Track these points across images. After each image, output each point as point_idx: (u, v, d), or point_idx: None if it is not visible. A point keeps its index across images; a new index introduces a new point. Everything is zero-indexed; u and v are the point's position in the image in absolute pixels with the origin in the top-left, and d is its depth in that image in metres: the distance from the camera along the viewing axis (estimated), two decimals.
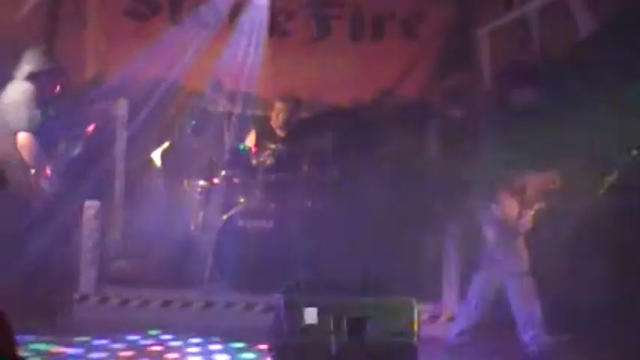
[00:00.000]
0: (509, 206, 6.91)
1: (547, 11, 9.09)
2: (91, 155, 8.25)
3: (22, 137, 7.12)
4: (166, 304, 7.84)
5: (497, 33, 9.23)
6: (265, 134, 8.66)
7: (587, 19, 8.98)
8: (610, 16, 8.82)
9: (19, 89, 7.22)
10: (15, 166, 7.12)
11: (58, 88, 7.46)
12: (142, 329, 7.32)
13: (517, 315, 6.88)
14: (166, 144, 8.59)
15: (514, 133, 6.67)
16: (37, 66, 7.32)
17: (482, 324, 7.11)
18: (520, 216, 6.89)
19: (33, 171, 7.20)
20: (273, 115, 8.67)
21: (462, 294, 7.66)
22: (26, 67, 7.31)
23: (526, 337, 6.82)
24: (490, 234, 7.03)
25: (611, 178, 6.87)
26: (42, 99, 7.26)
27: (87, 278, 7.79)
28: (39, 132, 7.17)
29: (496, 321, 7.11)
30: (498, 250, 6.96)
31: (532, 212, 6.90)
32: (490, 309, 7.09)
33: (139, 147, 8.91)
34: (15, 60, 7.37)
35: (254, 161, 8.22)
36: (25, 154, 7.13)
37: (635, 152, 6.83)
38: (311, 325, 5.09)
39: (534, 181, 6.91)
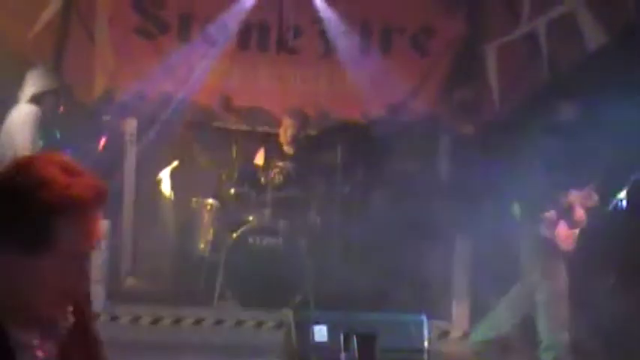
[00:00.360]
0: (555, 225, 6.81)
1: (555, 25, 9.11)
2: (100, 174, 8.24)
3: None
4: (177, 322, 7.82)
5: (505, 48, 9.24)
6: (274, 151, 8.65)
7: (595, 33, 9.00)
8: (619, 29, 8.84)
9: (24, 111, 7.20)
10: None
11: (62, 108, 7.43)
12: (152, 347, 7.31)
13: (543, 335, 6.79)
14: (175, 162, 8.59)
15: (558, 151, 6.64)
16: (42, 87, 7.30)
17: (509, 339, 7.04)
18: (563, 235, 6.78)
19: None
20: (282, 132, 8.66)
21: (473, 309, 7.63)
22: (31, 88, 7.29)
23: (547, 358, 6.74)
24: (529, 252, 6.92)
25: (620, 195, 6.84)
26: (47, 120, 7.24)
27: (96, 296, 7.77)
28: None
29: (520, 338, 7.05)
30: (538, 269, 6.86)
31: (577, 231, 6.80)
32: (519, 326, 7.01)
33: (148, 165, 8.92)
34: (23, 79, 7.37)
35: (263, 178, 8.21)
36: None
37: None
38: (321, 342, 5.07)
39: (578, 199, 6.82)
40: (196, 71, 9.18)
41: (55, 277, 2.20)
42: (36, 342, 2.25)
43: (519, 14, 9.20)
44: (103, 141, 7.66)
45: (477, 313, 7.59)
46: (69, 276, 2.23)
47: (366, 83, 9.26)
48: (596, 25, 9.01)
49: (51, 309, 2.25)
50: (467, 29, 9.30)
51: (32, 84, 7.29)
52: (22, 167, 2.21)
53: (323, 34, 9.24)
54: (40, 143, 7.10)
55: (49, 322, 2.27)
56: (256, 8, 9.01)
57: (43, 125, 7.17)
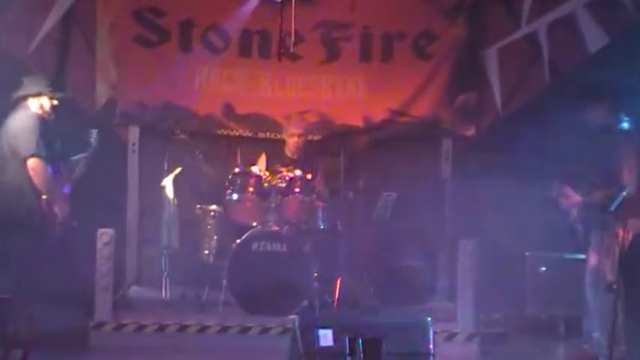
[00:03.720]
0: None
1: (555, 28, 9.14)
2: (103, 182, 8.26)
3: (33, 162, 7.08)
4: (182, 329, 7.82)
5: (506, 50, 9.27)
6: (276, 157, 8.67)
7: (596, 35, 9.02)
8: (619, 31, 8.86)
9: (26, 115, 7.21)
10: (27, 192, 7.12)
11: (64, 114, 7.44)
12: (158, 355, 7.30)
13: None
14: (178, 169, 8.59)
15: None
16: (45, 92, 7.32)
17: None
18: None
19: (44, 197, 7.17)
20: (287, 148, 8.71)
21: (478, 311, 7.63)
22: (33, 92, 7.30)
23: None
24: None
25: (623, 194, 6.80)
26: (49, 125, 7.25)
27: (102, 305, 7.76)
28: (47, 159, 7.14)
29: None
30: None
31: None
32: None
33: (151, 173, 8.93)
34: (24, 87, 7.38)
35: (266, 184, 8.22)
36: (37, 179, 7.09)
37: None
38: (327, 347, 5.07)
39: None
40: (197, 79, 9.20)
41: None
42: None
43: (520, 17, 9.23)
44: (102, 154, 7.59)
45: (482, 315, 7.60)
46: None
47: (368, 89, 9.29)
48: (596, 26, 9.04)
49: None
50: (467, 33, 9.31)
51: (36, 88, 7.30)
52: None
53: (324, 40, 9.25)
54: (43, 146, 7.11)
55: None
56: (257, 15, 9.02)
57: (46, 129, 7.17)
